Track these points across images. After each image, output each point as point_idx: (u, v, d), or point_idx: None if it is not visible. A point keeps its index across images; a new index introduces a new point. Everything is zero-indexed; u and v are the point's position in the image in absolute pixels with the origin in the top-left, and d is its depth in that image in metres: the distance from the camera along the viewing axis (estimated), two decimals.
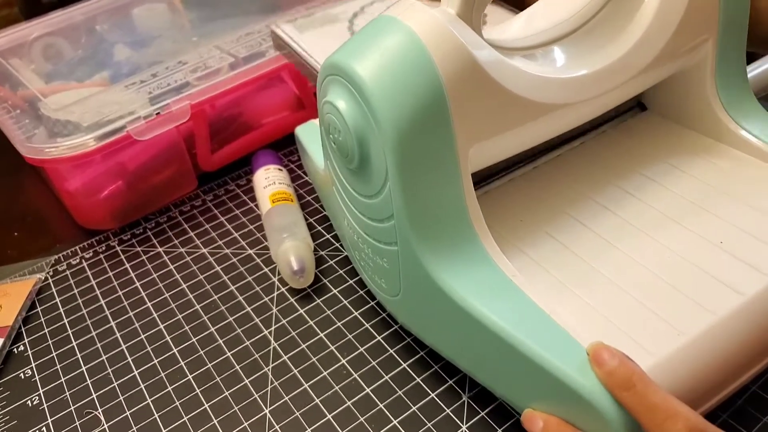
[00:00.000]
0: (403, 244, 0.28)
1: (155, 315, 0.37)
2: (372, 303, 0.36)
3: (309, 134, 0.39)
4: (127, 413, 0.32)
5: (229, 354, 0.34)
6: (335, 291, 0.37)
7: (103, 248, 0.43)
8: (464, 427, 0.29)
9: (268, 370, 0.33)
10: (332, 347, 0.34)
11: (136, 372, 0.34)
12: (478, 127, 0.27)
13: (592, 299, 0.27)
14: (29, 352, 0.36)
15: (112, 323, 0.37)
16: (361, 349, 0.34)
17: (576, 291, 0.28)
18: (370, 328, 0.35)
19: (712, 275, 0.28)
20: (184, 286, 0.39)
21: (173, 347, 0.35)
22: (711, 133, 0.35)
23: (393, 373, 0.32)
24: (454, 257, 0.28)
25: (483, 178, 0.35)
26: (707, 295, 0.27)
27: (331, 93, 0.28)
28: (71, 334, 0.37)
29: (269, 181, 0.43)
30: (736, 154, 0.34)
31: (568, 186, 0.34)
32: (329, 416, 0.31)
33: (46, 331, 0.37)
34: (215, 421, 0.31)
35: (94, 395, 0.33)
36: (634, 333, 0.25)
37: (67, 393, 0.34)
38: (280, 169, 0.44)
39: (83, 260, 0.42)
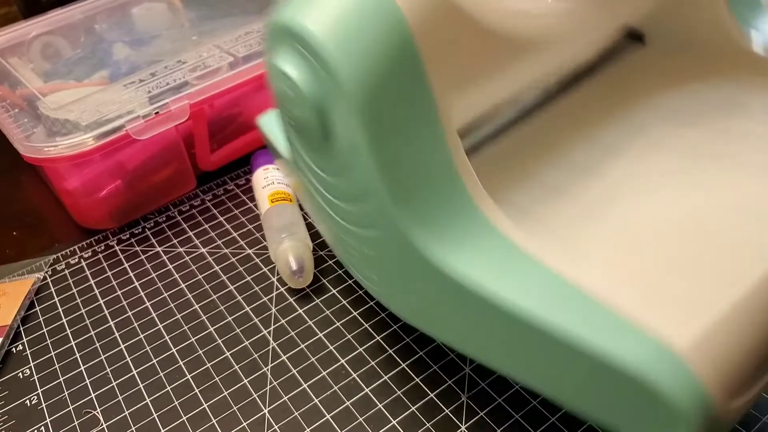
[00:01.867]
0: (387, 224, 0.24)
1: (154, 315, 0.37)
2: (371, 303, 0.36)
3: (275, 124, 0.34)
4: (126, 413, 0.32)
5: (228, 354, 0.34)
6: (334, 291, 0.37)
7: (102, 248, 0.43)
8: (463, 428, 0.29)
9: (267, 370, 0.33)
10: (331, 347, 0.34)
11: (134, 371, 0.34)
12: (456, 72, 0.24)
13: (618, 263, 0.23)
14: (27, 352, 0.36)
15: (111, 323, 0.37)
16: (360, 349, 0.34)
17: (597, 255, 0.24)
18: (369, 328, 0.35)
19: (745, 228, 0.23)
20: (182, 285, 0.39)
21: (172, 347, 0.35)
22: (725, 59, 0.29)
23: (392, 373, 0.32)
24: (449, 230, 0.23)
25: (476, 141, 0.30)
26: (747, 250, 0.22)
27: (278, 58, 0.24)
28: (70, 334, 0.37)
29: (268, 181, 0.43)
30: (757, 81, 0.29)
31: (569, 139, 0.29)
32: (328, 416, 0.31)
33: (45, 330, 0.37)
34: (214, 421, 0.31)
35: (93, 395, 0.33)
36: (674, 301, 0.21)
37: (66, 392, 0.34)
38: (279, 169, 0.44)
39: (82, 260, 0.42)
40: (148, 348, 0.35)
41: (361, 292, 0.37)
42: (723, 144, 0.26)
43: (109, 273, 0.41)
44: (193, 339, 0.35)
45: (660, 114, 0.28)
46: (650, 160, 0.26)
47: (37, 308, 0.39)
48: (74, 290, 0.40)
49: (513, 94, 0.30)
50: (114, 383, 0.34)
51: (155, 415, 0.32)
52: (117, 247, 0.43)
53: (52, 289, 0.40)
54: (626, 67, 0.32)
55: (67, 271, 0.41)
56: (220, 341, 0.35)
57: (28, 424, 0.32)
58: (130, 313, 0.38)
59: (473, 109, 0.27)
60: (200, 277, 0.40)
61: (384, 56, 0.22)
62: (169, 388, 0.33)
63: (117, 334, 0.36)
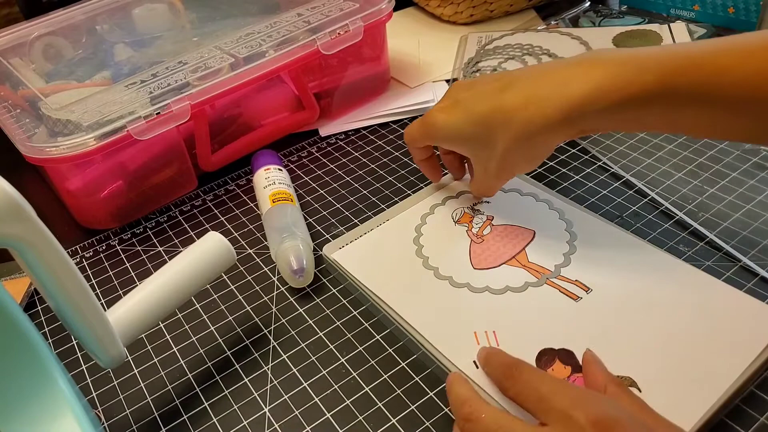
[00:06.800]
0: None
1: None
2: (371, 302, 0.36)
3: None
4: (127, 411, 0.32)
5: (228, 353, 0.35)
6: (334, 291, 0.37)
7: (104, 247, 0.43)
8: None
9: (268, 369, 0.33)
10: (331, 346, 0.34)
11: (135, 371, 0.34)
12: None
13: None
14: None
15: None
16: (360, 348, 0.34)
17: None
18: (369, 327, 0.35)
19: None
20: None
21: (173, 346, 0.35)
22: None
23: (392, 372, 0.32)
24: None
25: None
26: None
27: None
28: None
29: (269, 181, 0.43)
30: None
31: None
32: (328, 415, 0.31)
33: (47, 329, 0.38)
34: (215, 420, 0.31)
35: (94, 394, 0.33)
36: None
37: None
38: (280, 169, 0.44)
39: (83, 259, 0.42)
40: (149, 347, 0.35)
41: (361, 291, 0.37)
42: None
43: (111, 272, 0.41)
44: (193, 338, 0.36)
45: None
46: None
47: (39, 307, 0.39)
48: None
49: None
50: (115, 382, 0.34)
51: (156, 414, 0.32)
52: (118, 247, 0.43)
53: None
54: None
55: None
56: (220, 340, 0.35)
57: None
58: None
59: None
60: None
61: None
62: (169, 387, 0.33)
63: None
